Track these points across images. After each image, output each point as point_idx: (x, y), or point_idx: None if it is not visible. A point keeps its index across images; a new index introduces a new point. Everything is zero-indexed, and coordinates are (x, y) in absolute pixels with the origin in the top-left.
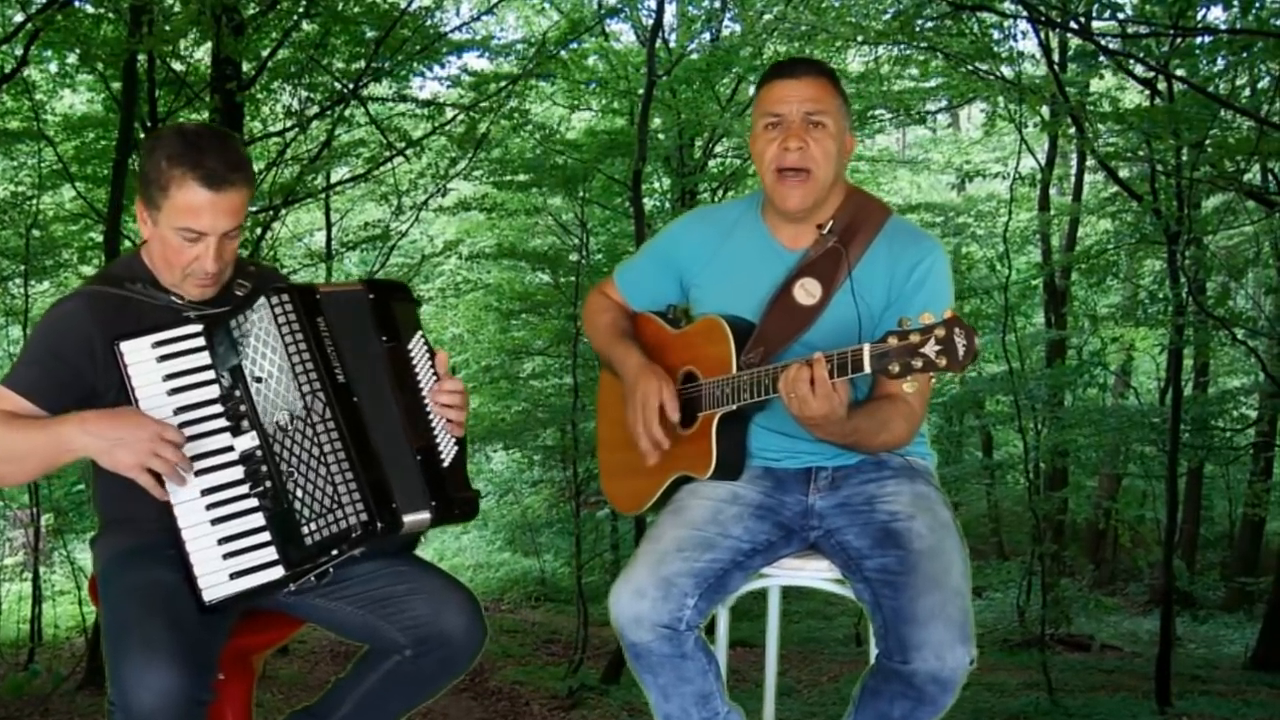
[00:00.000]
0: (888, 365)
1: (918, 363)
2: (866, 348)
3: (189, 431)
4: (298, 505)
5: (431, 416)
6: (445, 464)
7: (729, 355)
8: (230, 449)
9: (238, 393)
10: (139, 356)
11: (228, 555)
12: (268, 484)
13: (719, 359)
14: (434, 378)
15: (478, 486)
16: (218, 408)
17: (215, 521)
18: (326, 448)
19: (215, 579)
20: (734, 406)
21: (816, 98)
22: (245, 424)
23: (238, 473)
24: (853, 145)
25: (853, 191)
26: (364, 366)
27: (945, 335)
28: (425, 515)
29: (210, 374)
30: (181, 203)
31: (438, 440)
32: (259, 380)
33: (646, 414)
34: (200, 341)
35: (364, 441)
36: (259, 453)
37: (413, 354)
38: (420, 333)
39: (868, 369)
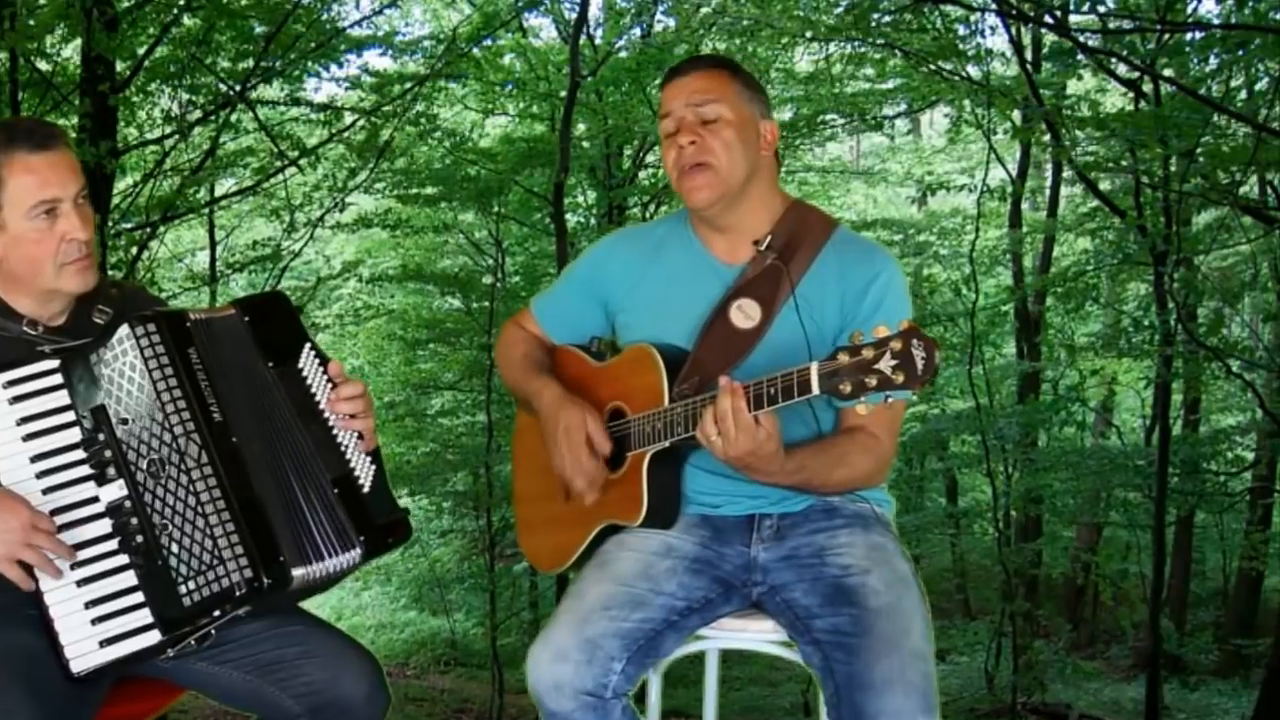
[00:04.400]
0: (838, 385)
1: (872, 380)
2: (814, 366)
3: (48, 482)
4: (174, 562)
5: (340, 439)
6: (366, 489)
7: (660, 386)
8: (95, 500)
9: (101, 436)
10: None
11: (97, 620)
12: (139, 539)
13: (649, 391)
14: (331, 390)
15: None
16: (80, 453)
17: (81, 582)
18: (203, 496)
19: (84, 647)
20: (666, 443)
21: (704, 88)
22: (111, 471)
23: (105, 526)
24: (774, 132)
25: (794, 204)
26: (255, 401)
27: (902, 348)
28: (355, 554)
29: (70, 415)
30: (22, 181)
31: (353, 464)
32: (124, 422)
33: (573, 448)
34: (58, 379)
35: (247, 487)
36: (128, 503)
37: (305, 373)
38: (308, 344)
39: (816, 390)
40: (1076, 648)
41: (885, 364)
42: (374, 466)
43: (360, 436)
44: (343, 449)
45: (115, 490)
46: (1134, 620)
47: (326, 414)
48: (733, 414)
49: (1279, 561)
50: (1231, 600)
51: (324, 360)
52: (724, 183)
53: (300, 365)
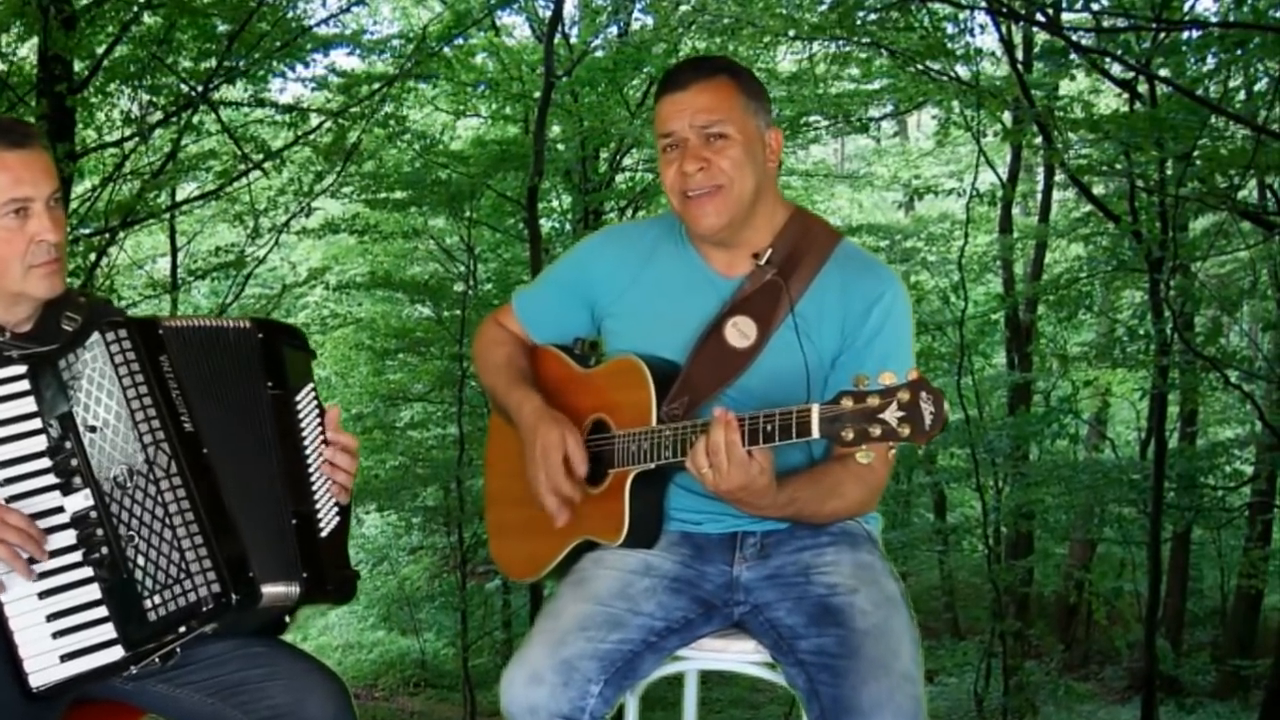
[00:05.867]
0: (840, 431)
1: (876, 430)
2: (815, 409)
3: (11, 490)
4: (139, 575)
5: (314, 479)
6: (324, 534)
7: (648, 404)
8: (60, 510)
9: (68, 444)
10: None
11: (58, 634)
12: (104, 550)
13: (636, 407)
14: (321, 434)
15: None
16: (45, 462)
17: (43, 594)
18: (172, 508)
19: (44, 661)
20: (652, 465)
21: (710, 106)
22: (78, 481)
23: (69, 537)
24: (779, 140)
25: (796, 213)
26: (238, 416)
27: (910, 400)
28: (294, 589)
29: (36, 422)
30: None
31: (319, 506)
32: (93, 430)
33: (550, 467)
34: (25, 385)
35: (217, 500)
36: (94, 514)
37: (300, 407)
38: (311, 385)
39: (816, 434)
40: (1069, 669)
41: (891, 414)
42: (338, 519)
43: (334, 484)
44: (313, 488)
45: (81, 500)
46: (1129, 640)
47: (308, 451)
48: (726, 448)
49: (1279, 579)
50: (1230, 619)
51: (322, 409)
52: (733, 205)
53: (298, 399)
